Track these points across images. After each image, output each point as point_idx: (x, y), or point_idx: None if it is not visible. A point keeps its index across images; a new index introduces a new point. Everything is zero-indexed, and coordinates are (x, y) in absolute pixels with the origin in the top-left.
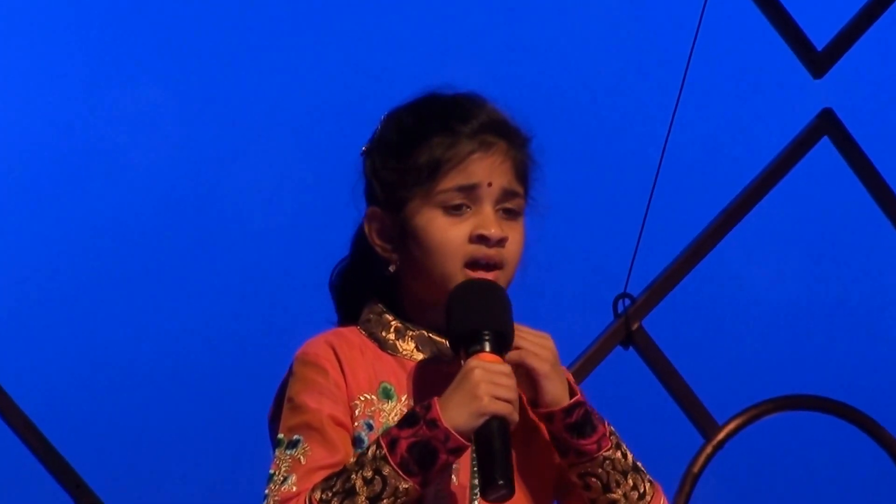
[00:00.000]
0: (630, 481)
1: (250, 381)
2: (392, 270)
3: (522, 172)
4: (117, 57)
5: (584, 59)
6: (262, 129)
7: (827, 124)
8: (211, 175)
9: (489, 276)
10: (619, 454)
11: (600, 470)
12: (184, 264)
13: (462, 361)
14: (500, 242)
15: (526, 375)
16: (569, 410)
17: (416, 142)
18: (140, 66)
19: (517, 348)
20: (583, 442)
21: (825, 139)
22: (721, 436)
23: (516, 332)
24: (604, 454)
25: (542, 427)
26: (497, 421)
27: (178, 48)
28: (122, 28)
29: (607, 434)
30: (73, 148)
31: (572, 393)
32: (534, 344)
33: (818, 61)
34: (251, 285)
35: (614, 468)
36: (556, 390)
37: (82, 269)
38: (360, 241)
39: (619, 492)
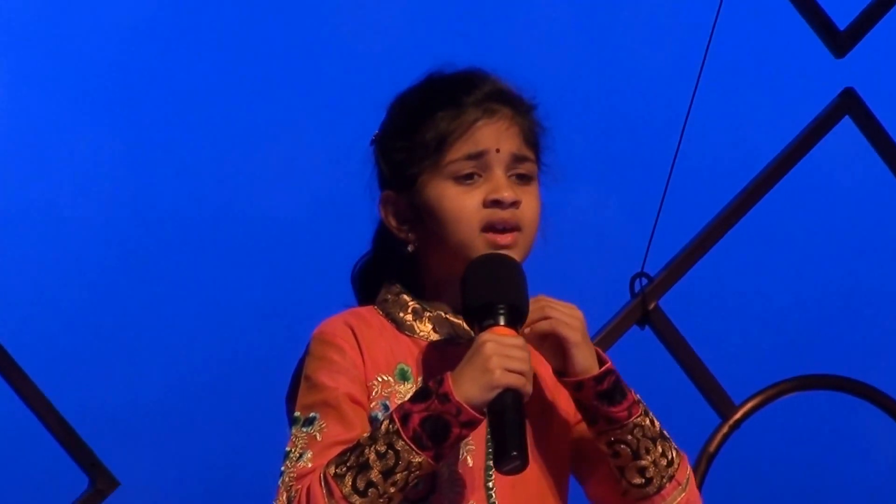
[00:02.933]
0: (659, 448)
1: (267, 361)
2: (411, 250)
3: (531, 138)
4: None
5: (603, 37)
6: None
7: (849, 103)
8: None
9: (508, 238)
10: (647, 421)
11: (630, 437)
12: (201, 254)
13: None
14: (515, 205)
15: (554, 345)
16: (599, 378)
17: (421, 119)
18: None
19: (547, 318)
20: (613, 409)
21: (847, 118)
22: (738, 415)
23: (546, 303)
24: (634, 421)
25: (559, 403)
26: (510, 393)
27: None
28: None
29: (636, 401)
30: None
31: (601, 362)
32: (563, 313)
33: (840, 41)
34: (269, 274)
35: (644, 434)
36: (587, 359)
37: (102, 257)
38: (380, 235)
39: (649, 458)
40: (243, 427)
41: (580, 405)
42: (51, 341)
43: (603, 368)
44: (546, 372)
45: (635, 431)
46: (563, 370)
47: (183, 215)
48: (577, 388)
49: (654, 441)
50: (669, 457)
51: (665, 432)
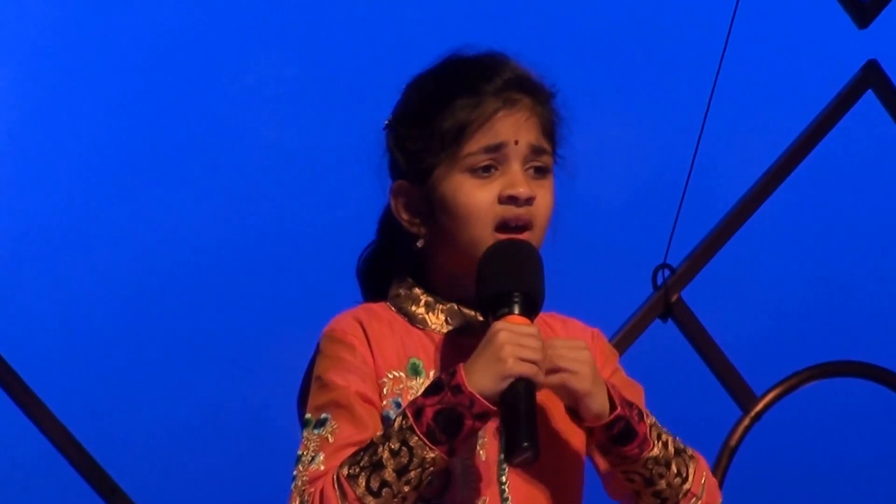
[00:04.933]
0: (673, 468)
1: (285, 383)
2: (420, 245)
3: (549, 129)
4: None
5: (623, 19)
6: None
7: (871, 76)
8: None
9: (520, 237)
10: (659, 447)
11: (643, 469)
12: (220, 277)
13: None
14: (529, 201)
15: (565, 388)
16: (610, 425)
17: (439, 107)
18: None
19: (557, 370)
20: (625, 449)
21: (869, 93)
22: (759, 407)
23: (553, 352)
24: (646, 456)
25: None
26: (523, 383)
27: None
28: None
29: (648, 434)
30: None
31: (611, 401)
32: (572, 361)
33: (863, 11)
34: (288, 299)
35: (657, 463)
36: (598, 406)
37: (121, 283)
38: (385, 222)
39: (663, 482)
40: (263, 454)
41: (591, 440)
42: (68, 367)
43: (612, 416)
44: None
45: (648, 464)
46: (574, 410)
47: (201, 238)
48: (588, 431)
49: (667, 465)
50: (684, 473)
51: (679, 444)
